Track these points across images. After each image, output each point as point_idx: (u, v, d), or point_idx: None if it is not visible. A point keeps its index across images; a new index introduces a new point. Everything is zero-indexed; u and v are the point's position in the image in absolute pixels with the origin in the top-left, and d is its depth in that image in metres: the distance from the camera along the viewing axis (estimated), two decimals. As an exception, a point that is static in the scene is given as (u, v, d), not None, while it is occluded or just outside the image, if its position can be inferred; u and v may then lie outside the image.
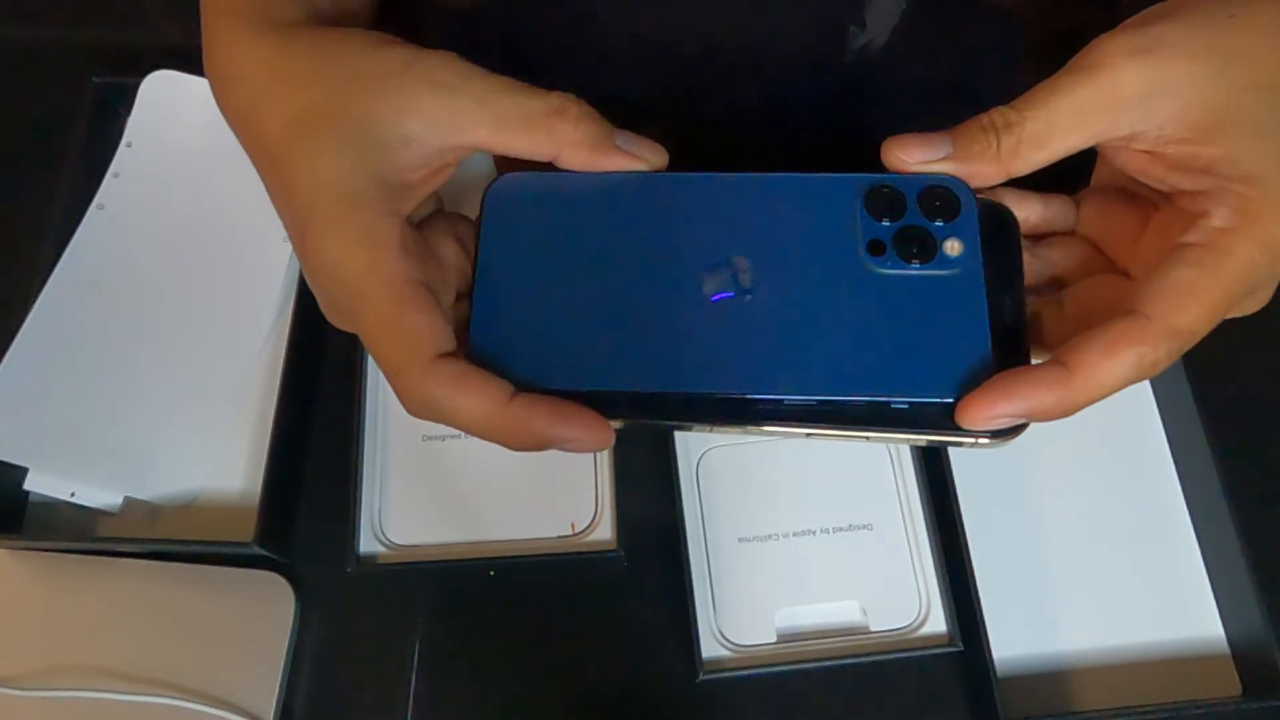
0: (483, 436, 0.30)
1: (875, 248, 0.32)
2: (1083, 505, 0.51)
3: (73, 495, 0.49)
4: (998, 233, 0.33)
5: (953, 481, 0.48)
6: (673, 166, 0.34)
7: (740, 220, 0.32)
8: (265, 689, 0.46)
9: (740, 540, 0.49)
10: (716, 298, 0.31)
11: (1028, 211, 0.35)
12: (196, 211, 0.55)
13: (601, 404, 0.30)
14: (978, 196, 0.32)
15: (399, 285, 0.30)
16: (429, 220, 0.34)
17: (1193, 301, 0.29)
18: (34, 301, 0.51)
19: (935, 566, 0.48)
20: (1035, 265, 0.35)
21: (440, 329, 0.30)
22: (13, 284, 0.52)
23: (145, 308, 0.53)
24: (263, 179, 0.32)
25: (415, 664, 0.48)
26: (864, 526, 0.49)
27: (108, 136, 0.56)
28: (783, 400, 0.31)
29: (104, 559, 0.49)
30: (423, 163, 0.31)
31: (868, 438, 0.31)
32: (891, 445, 0.51)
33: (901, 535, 0.49)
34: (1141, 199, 0.34)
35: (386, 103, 0.30)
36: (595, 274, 0.32)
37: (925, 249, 0.32)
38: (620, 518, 0.49)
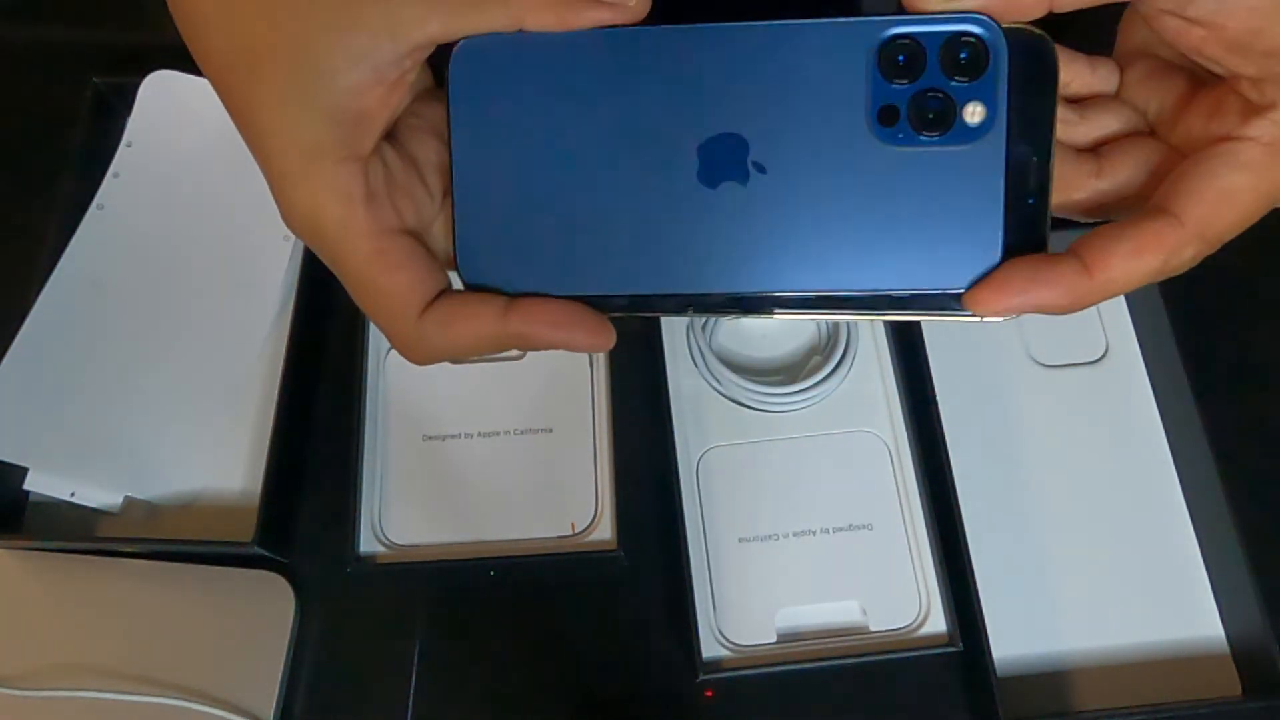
0: (490, 353, 0.30)
1: (887, 116, 0.29)
2: (1083, 505, 0.51)
3: (73, 495, 0.49)
4: (1032, 74, 0.29)
5: (953, 482, 0.48)
6: (654, 18, 0.30)
7: (737, 86, 0.29)
8: (265, 689, 0.46)
9: (740, 540, 0.49)
10: (714, 187, 0.29)
11: (1073, 75, 0.31)
12: (196, 211, 0.55)
13: (599, 304, 0.30)
14: (1016, 27, 0.28)
15: (374, 239, 0.29)
16: (406, 120, 0.32)
17: (1232, 211, 0.27)
18: (34, 301, 0.51)
19: (935, 566, 0.48)
20: (1081, 129, 0.32)
21: (421, 280, 0.30)
22: (13, 284, 0.52)
23: (145, 307, 0.53)
24: (236, 127, 0.31)
25: (415, 664, 0.48)
26: (864, 526, 0.49)
27: (108, 136, 0.56)
28: (784, 294, 0.30)
29: (104, 559, 0.49)
30: (376, 79, 0.28)
31: (871, 320, 0.31)
32: (892, 444, 0.51)
33: (901, 535, 0.49)
34: (1192, 67, 0.30)
35: (328, 20, 0.28)
36: (578, 163, 0.30)
37: (944, 117, 0.28)
38: (620, 518, 0.49)
